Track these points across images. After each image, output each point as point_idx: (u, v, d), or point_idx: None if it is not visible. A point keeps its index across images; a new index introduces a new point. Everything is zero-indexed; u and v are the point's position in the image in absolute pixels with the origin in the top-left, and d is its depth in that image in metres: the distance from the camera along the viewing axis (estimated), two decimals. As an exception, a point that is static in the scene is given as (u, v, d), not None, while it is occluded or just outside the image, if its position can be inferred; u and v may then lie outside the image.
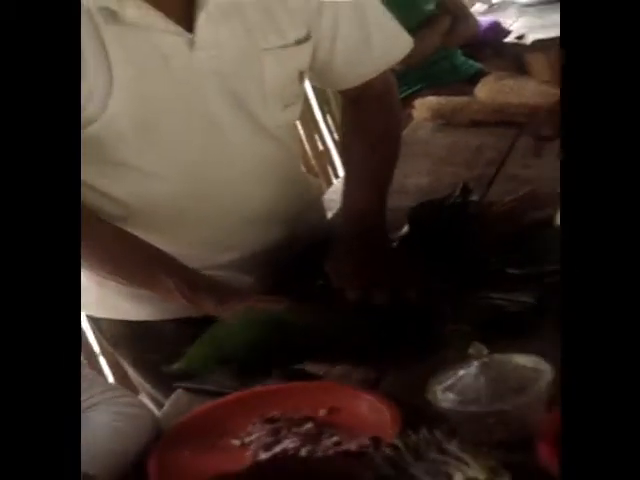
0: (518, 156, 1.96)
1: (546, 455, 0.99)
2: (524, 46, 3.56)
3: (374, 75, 1.66)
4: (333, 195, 2.16)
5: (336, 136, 3.72)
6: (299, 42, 1.54)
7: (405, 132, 2.30)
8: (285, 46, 1.52)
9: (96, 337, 2.19)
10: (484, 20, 3.69)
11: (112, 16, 1.38)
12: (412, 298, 1.40)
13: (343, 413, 1.24)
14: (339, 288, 1.46)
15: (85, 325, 2.15)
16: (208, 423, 1.28)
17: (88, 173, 1.42)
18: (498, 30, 3.69)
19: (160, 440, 1.26)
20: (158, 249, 1.49)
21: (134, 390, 1.76)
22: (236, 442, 1.23)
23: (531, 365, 1.12)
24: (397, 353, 1.33)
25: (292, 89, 1.59)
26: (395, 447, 1.00)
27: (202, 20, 1.43)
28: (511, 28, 3.71)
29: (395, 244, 1.60)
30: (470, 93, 2.47)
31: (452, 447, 0.98)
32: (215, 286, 1.47)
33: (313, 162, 3.70)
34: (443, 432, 1.01)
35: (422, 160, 2.13)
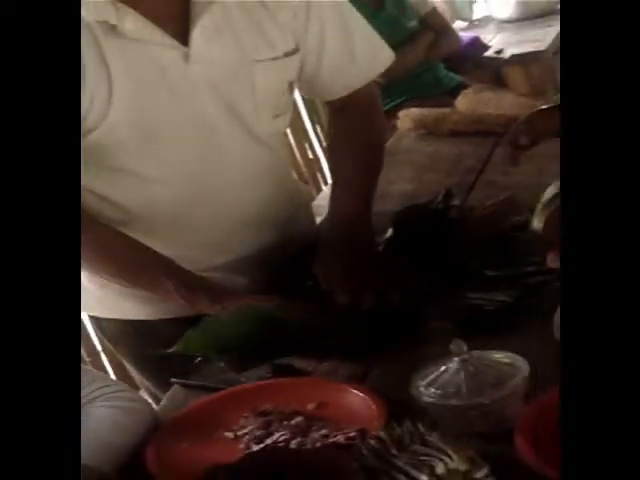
0: (496, 164, 1.96)
1: (523, 446, 0.99)
2: (502, 60, 3.58)
3: (358, 87, 1.66)
4: (322, 201, 2.16)
5: (325, 144, 3.72)
6: (288, 54, 1.54)
7: (390, 141, 2.30)
8: (275, 58, 1.52)
9: (98, 336, 2.19)
10: (465, 36, 3.70)
11: (111, 29, 1.38)
12: (395, 301, 1.40)
13: (331, 407, 1.24)
14: (328, 290, 1.45)
15: (87, 324, 2.15)
16: (203, 417, 1.28)
17: (89, 178, 1.43)
18: (478, 45, 3.70)
19: (158, 433, 1.25)
20: (157, 252, 1.48)
21: (134, 386, 1.76)
22: (229, 435, 1.23)
23: (508, 361, 1.12)
24: (382, 350, 1.34)
25: (282, 99, 1.59)
26: (380, 439, 0.99)
27: (197, 34, 1.43)
28: (490, 43, 3.73)
29: (380, 247, 1.59)
30: (451, 104, 2.48)
31: (434, 439, 0.98)
32: (210, 286, 1.47)
33: (303, 169, 3.70)
34: (425, 424, 1.01)
35: (406, 167, 2.13)
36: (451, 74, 3.46)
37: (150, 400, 1.64)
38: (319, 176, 3.80)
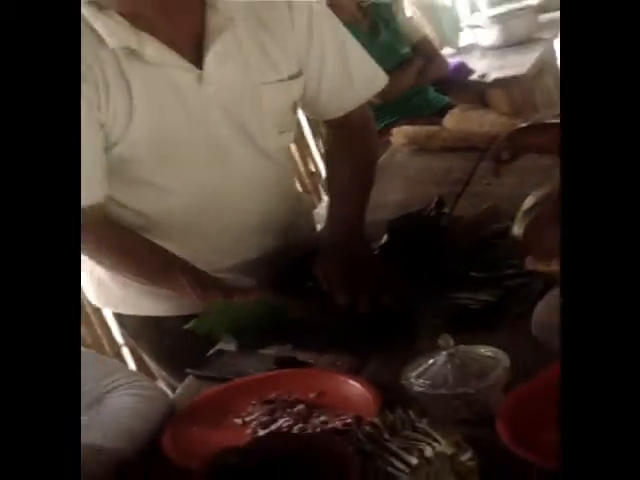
0: (480, 176, 1.96)
1: (503, 432, 0.99)
2: (486, 83, 3.58)
3: (354, 108, 1.66)
4: (323, 210, 2.16)
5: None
6: (292, 77, 1.54)
7: (384, 156, 2.30)
8: (281, 80, 1.52)
9: (120, 331, 2.18)
10: (452, 61, 3.70)
11: (133, 54, 1.39)
12: (389, 302, 1.39)
13: (330, 396, 1.23)
14: (328, 291, 1.46)
15: (111, 320, 2.15)
16: (214, 405, 1.27)
17: (112, 188, 1.44)
18: (464, 70, 3.70)
19: (174, 419, 1.25)
20: (173, 253, 1.48)
21: (152, 376, 1.75)
22: (238, 421, 1.23)
23: (491, 355, 1.12)
24: (378, 344, 1.34)
25: (287, 117, 1.60)
26: (375, 425, 0.99)
27: (210, 58, 1.44)
28: (475, 68, 3.72)
29: (376, 252, 1.59)
30: (440, 123, 2.47)
31: (423, 425, 0.97)
32: (222, 284, 1.47)
33: (306, 181, 3.70)
34: (416, 412, 1.00)
35: (399, 180, 2.13)
36: (440, 95, 3.46)
37: (167, 389, 1.64)
38: (320, 187, 3.81)
